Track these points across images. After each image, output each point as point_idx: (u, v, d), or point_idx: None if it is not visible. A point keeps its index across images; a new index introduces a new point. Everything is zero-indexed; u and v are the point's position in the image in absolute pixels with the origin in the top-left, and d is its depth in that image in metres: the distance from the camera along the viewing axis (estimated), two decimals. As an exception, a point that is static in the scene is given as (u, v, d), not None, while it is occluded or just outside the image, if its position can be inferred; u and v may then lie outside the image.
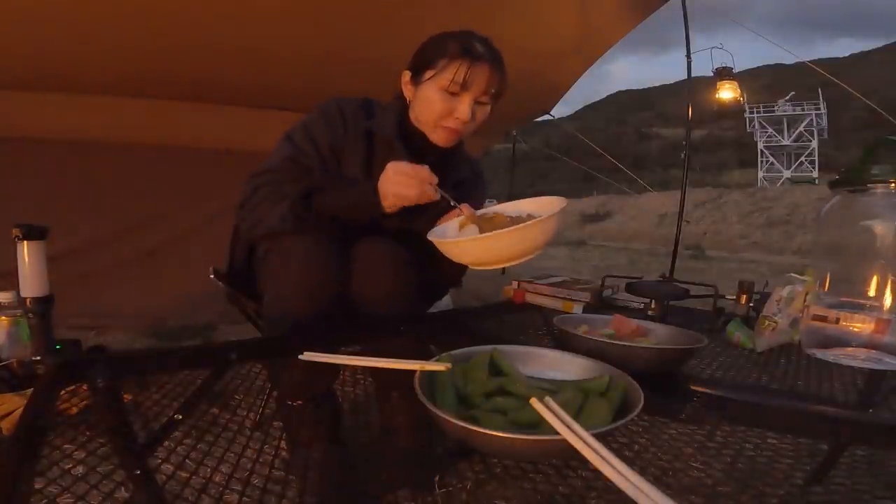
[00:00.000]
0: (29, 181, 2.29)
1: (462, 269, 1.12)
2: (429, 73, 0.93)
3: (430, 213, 0.97)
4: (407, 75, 0.98)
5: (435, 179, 0.86)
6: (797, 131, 34.52)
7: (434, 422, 0.56)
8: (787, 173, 33.83)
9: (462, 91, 0.91)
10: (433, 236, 0.84)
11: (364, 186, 0.88)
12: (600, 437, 0.48)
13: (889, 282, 0.78)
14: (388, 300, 0.89)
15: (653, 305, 1.31)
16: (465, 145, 1.08)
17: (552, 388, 0.64)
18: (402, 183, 0.84)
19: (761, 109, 36.06)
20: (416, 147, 0.98)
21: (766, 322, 1.15)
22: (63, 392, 1.04)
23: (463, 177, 1.06)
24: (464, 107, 0.92)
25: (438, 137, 0.97)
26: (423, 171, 0.85)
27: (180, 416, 0.67)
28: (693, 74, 3.37)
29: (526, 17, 2.37)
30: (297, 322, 0.84)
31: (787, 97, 34.58)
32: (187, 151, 2.57)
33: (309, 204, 0.87)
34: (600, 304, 1.36)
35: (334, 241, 0.89)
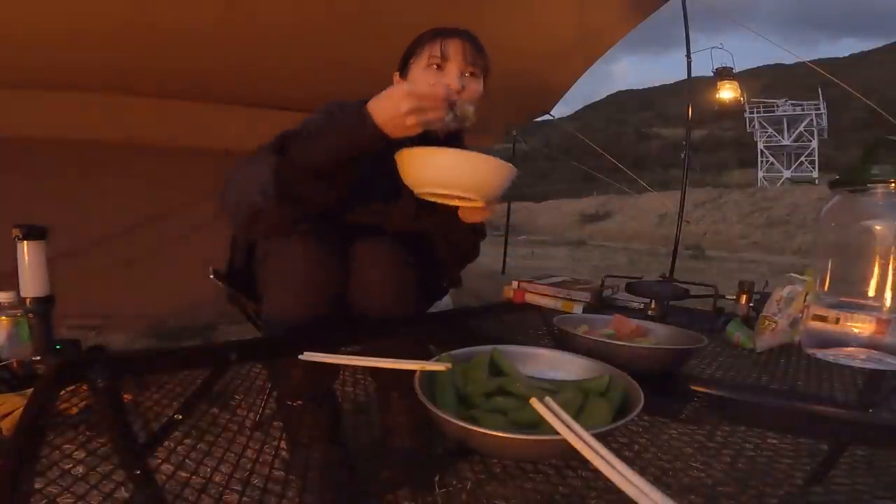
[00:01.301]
0: (29, 181, 2.29)
1: (461, 266, 1.12)
2: (412, 62, 0.98)
3: (438, 216, 0.97)
4: (396, 76, 1.02)
5: (444, 95, 0.76)
6: (797, 131, 34.52)
7: (434, 422, 0.56)
8: (787, 173, 33.84)
9: (444, 62, 0.95)
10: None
11: (347, 114, 0.78)
12: (600, 437, 0.48)
13: (889, 282, 0.78)
14: (388, 300, 0.89)
15: (653, 305, 1.31)
16: (465, 141, 1.08)
17: (552, 388, 0.64)
18: (400, 122, 0.75)
19: (761, 109, 36.06)
20: (418, 141, 0.99)
21: (766, 322, 1.15)
22: (63, 392, 1.04)
23: None
24: (451, 75, 0.95)
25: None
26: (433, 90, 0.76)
27: (180, 416, 0.66)
28: (693, 74, 3.37)
29: (526, 18, 2.37)
30: (296, 323, 0.84)
31: (784, 100, 34.62)
32: (187, 151, 2.57)
33: (289, 166, 0.78)
34: (600, 304, 1.36)
35: (333, 240, 0.89)
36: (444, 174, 0.81)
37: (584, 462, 0.45)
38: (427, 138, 1.00)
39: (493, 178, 0.82)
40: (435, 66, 0.95)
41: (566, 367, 0.72)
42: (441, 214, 0.97)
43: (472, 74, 0.98)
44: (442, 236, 1.03)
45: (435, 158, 0.81)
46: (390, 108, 0.75)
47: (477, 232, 1.05)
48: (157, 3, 1.80)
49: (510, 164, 0.82)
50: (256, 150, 0.84)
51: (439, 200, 0.86)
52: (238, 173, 0.84)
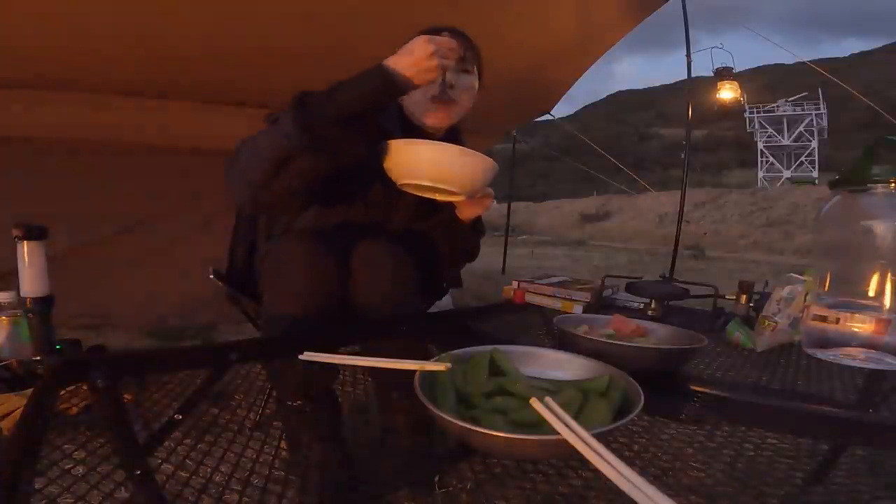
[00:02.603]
0: (29, 181, 2.29)
1: (463, 261, 1.13)
2: None
3: (440, 216, 0.97)
4: None
5: (455, 45, 0.80)
6: (797, 131, 34.54)
7: (434, 422, 0.56)
8: (787, 173, 33.88)
9: None
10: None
11: (366, 70, 0.80)
12: (600, 437, 0.48)
13: (889, 282, 0.78)
14: (388, 300, 0.89)
15: (653, 305, 1.31)
16: (465, 140, 1.08)
17: (552, 388, 0.64)
18: (422, 65, 0.78)
19: (761, 109, 36.07)
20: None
21: (766, 322, 1.15)
22: (63, 392, 1.04)
23: None
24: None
25: (436, 117, 0.98)
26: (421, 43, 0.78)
27: (180, 416, 0.66)
28: (694, 74, 3.37)
29: (526, 17, 2.37)
30: (296, 322, 0.84)
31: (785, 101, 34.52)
32: (187, 151, 2.57)
33: (312, 113, 0.78)
34: (600, 304, 1.36)
35: (333, 240, 0.89)
36: (423, 166, 0.82)
37: (584, 462, 0.45)
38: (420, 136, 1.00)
39: (472, 171, 0.83)
40: None
41: (566, 367, 0.72)
42: (441, 213, 0.97)
43: (464, 70, 0.98)
44: (442, 235, 1.03)
45: (415, 151, 0.82)
46: (414, 53, 0.78)
47: (477, 230, 1.05)
48: (157, 4, 1.80)
49: (490, 159, 0.83)
50: (270, 115, 0.84)
51: (420, 193, 0.87)
52: (252, 139, 0.83)
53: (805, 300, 1.10)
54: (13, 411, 1.09)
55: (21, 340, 1.30)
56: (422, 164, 0.82)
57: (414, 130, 1.00)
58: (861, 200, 0.82)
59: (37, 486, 0.64)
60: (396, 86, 0.79)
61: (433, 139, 1.02)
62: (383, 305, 0.89)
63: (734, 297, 1.37)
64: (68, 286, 1.46)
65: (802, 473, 0.79)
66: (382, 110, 0.83)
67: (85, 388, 0.57)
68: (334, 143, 0.79)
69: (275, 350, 0.83)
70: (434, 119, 0.99)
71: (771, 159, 35.43)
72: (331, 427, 0.91)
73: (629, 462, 0.43)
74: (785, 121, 35.03)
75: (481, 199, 0.95)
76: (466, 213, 0.97)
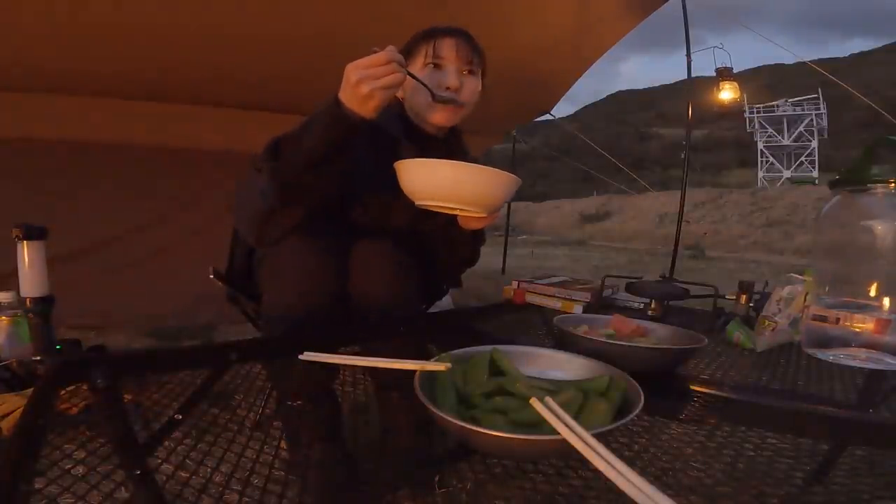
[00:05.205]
0: (29, 181, 2.30)
1: (462, 268, 1.12)
2: (407, 63, 0.96)
3: (439, 217, 0.97)
4: None
5: (388, 57, 0.75)
6: (797, 131, 34.55)
7: (434, 422, 0.56)
8: (786, 173, 33.89)
9: (441, 61, 0.95)
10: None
11: (325, 105, 0.79)
12: (600, 437, 0.48)
13: (889, 282, 0.78)
14: (387, 301, 0.89)
15: (653, 305, 1.31)
16: (465, 142, 1.08)
17: (552, 388, 0.64)
18: (356, 94, 0.75)
19: (761, 109, 36.08)
20: (419, 143, 0.99)
21: (766, 322, 1.15)
22: (63, 392, 1.04)
23: None
24: (449, 74, 0.95)
25: (439, 117, 0.97)
26: (369, 59, 0.75)
27: (180, 416, 0.66)
28: (695, 74, 3.37)
29: (526, 17, 2.37)
30: (295, 321, 0.84)
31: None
32: (187, 152, 2.58)
33: (283, 166, 0.79)
34: (600, 304, 1.36)
35: (333, 240, 0.89)
36: (444, 188, 0.78)
37: (584, 462, 0.45)
38: (428, 142, 1.00)
39: (494, 190, 0.79)
40: (431, 66, 0.95)
41: (566, 367, 0.72)
42: (441, 218, 0.97)
43: (469, 72, 0.98)
44: (442, 240, 1.03)
45: (435, 171, 0.78)
46: (344, 84, 0.76)
47: (477, 237, 1.05)
48: (157, 7, 1.80)
49: (513, 175, 0.79)
50: (255, 160, 0.85)
51: (440, 210, 0.84)
52: (242, 189, 0.87)
53: (805, 300, 1.10)
54: (13, 411, 1.09)
55: (21, 340, 1.30)
56: (440, 186, 0.78)
57: (416, 132, 1.00)
58: (861, 200, 0.82)
59: (37, 486, 0.64)
60: (350, 122, 0.76)
61: (437, 140, 1.01)
62: (383, 306, 0.89)
63: (734, 297, 1.37)
64: (68, 286, 1.46)
65: (802, 473, 0.79)
66: (351, 147, 0.80)
67: (85, 388, 0.57)
68: (308, 191, 0.81)
69: (275, 350, 0.83)
70: (437, 120, 0.98)
71: (771, 159, 35.45)
72: (331, 427, 0.91)
73: (629, 462, 0.43)
74: (785, 121, 35.05)
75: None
76: (471, 224, 0.96)
